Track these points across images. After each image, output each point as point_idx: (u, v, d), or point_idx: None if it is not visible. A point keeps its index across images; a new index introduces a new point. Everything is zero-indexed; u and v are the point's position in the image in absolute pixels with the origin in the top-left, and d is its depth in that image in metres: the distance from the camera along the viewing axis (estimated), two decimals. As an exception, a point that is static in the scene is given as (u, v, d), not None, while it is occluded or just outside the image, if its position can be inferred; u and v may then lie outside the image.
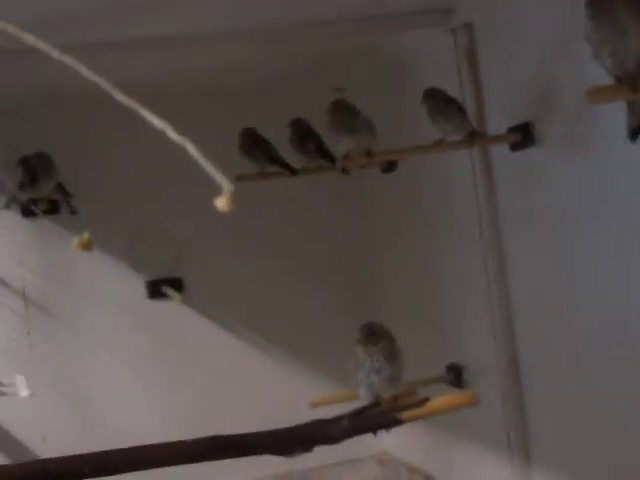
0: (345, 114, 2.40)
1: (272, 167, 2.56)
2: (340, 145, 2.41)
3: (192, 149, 0.60)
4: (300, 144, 2.56)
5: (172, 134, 0.60)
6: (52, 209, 2.85)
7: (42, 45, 0.67)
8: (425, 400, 1.80)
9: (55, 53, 0.67)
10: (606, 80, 1.48)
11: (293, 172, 2.55)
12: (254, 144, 2.57)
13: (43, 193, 2.74)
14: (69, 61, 0.66)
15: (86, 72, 0.66)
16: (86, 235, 1.59)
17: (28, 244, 3.15)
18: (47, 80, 2.45)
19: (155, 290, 3.20)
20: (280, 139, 2.56)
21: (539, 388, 2.50)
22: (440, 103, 2.32)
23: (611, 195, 2.05)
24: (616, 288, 2.07)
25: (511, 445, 2.57)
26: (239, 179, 2.13)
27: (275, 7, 2.26)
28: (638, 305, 1.98)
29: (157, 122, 0.62)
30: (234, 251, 3.23)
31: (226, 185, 0.58)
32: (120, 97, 0.65)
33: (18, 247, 3.15)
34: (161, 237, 3.19)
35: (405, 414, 1.78)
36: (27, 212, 2.97)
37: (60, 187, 2.83)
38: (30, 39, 0.67)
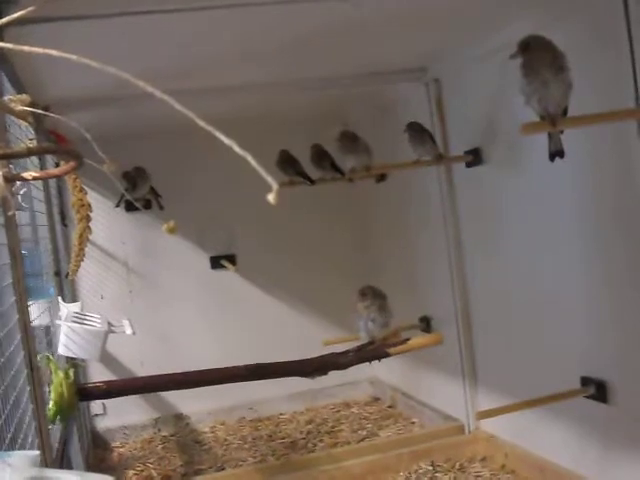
0: (349, 140, 2.78)
1: (298, 178, 2.99)
2: (346, 162, 2.83)
3: (249, 157, 0.63)
4: (318, 162, 2.99)
5: (237, 149, 0.64)
6: (146, 205, 3.36)
7: (149, 87, 0.70)
8: (406, 340, 2.17)
9: (157, 93, 0.70)
10: (533, 119, 1.75)
11: (312, 182, 3.00)
12: (287, 162, 3.00)
13: (140, 195, 3.22)
14: (166, 98, 0.69)
15: (177, 105, 0.68)
16: (172, 222, 1.62)
17: (130, 229, 3.73)
18: (143, 118, 2.93)
19: (216, 263, 3.82)
20: (304, 158, 3.03)
21: (484, 331, 2.95)
22: (417, 133, 2.70)
23: (532, 196, 2.45)
24: (533, 260, 2.50)
25: (464, 371, 3.02)
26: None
27: (304, 67, 2.68)
28: (546, 270, 2.45)
29: (226, 140, 0.65)
30: (271, 237, 3.84)
31: (274, 185, 0.62)
32: (200, 122, 0.68)
33: (123, 232, 3.74)
34: (220, 226, 3.85)
35: (392, 349, 2.13)
36: (129, 208, 3.52)
37: (152, 190, 3.36)
38: (141, 84, 0.68)
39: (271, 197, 0.61)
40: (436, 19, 2.21)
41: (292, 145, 3.08)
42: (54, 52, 0.90)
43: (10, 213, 1.53)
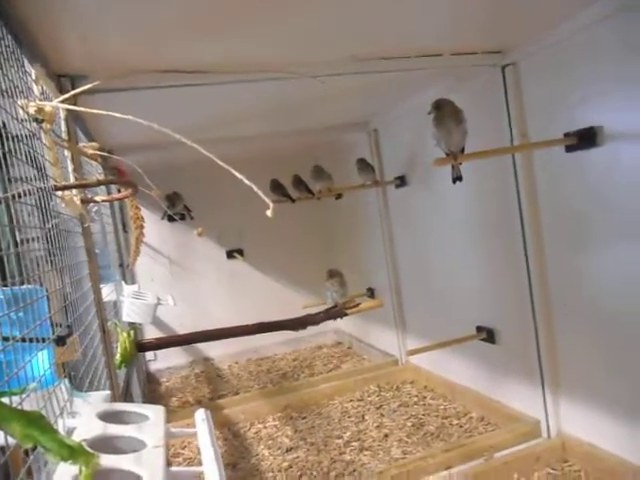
0: (317, 171, 2.77)
1: (284, 198, 2.93)
2: (316, 186, 2.81)
3: (254, 187, 0.65)
4: (297, 186, 2.95)
5: (245, 180, 0.66)
6: (182, 217, 3.25)
7: (182, 138, 0.71)
8: (358, 304, 2.12)
9: (188, 141, 0.72)
10: (441, 155, 1.69)
11: (293, 200, 2.94)
12: (276, 186, 2.95)
13: (177, 210, 3.12)
14: (195, 145, 0.71)
15: (203, 150, 0.71)
16: (200, 228, 1.63)
17: (170, 233, 3.61)
18: (179, 157, 2.85)
19: (230, 254, 3.73)
20: (287, 184, 2.98)
21: (409, 297, 2.94)
22: (363, 165, 2.69)
23: (439, 206, 2.46)
24: (441, 248, 2.49)
25: (396, 323, 3.00)
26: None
27: (287, 122, 2.63)
28: (449, 255, 2.41)
29: (237, 174, 0.66)
30: (267, 237, 3.74)
31: (270, 204, 0.65)
32: (219, 161, 0.70)
33: (166, 235, 3.63)
34: (232, 230, 3.77)
35: (349, 311, 2.08)
36: (170, 219, 3.39)
37: (185, 207, 3.24)
38: (177, 136, 0.72)
39: (269, 212, 0.63)
40: (375, 89, 2.18)
41: (279, 175, 3.03)
42: (115, 114, 0.87)
43: (86, 225, 1.48)
